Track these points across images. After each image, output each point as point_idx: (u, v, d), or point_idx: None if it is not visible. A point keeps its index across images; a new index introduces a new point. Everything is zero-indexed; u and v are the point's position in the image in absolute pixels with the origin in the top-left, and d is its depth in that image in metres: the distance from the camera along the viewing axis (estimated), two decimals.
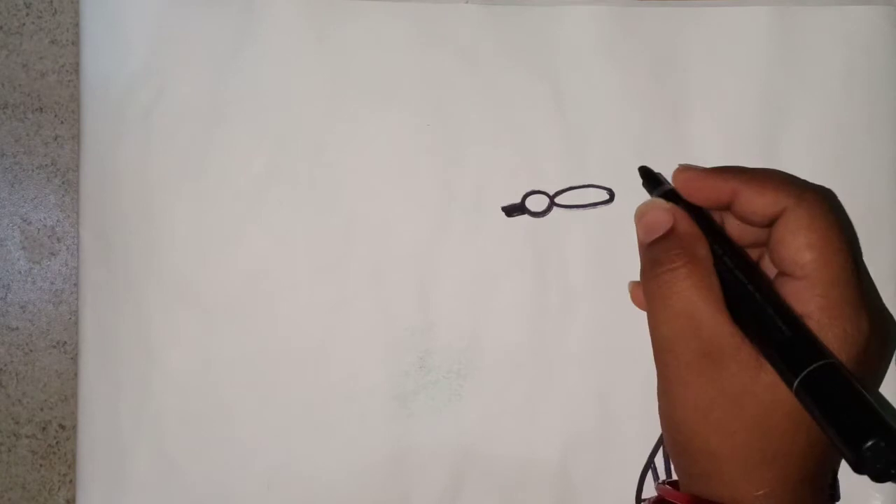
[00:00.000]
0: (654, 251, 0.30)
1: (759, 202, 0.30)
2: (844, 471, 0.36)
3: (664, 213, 0.31)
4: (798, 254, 0.28)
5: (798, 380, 0.26)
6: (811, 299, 0.28)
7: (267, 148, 0.37)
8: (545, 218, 0.36)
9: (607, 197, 0.36)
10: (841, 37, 0.36)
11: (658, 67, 0.36)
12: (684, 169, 0.32)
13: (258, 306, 0.37)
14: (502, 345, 0.37)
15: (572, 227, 0.36)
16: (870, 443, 0.23)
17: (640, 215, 0.32)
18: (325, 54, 0.37)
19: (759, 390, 0.28)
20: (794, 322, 0.28)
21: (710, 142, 0.36)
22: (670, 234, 0.30)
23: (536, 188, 0.36)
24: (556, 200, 0.36)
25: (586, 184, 0.36)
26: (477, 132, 0.37)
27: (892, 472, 0.23)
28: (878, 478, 0.24)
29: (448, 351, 0.37)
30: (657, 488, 0.32)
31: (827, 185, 0.36)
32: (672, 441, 0.31)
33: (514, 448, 0.37)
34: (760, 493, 0.28)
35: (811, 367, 0.26)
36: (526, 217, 0.36)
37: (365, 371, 0.37)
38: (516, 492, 0.37)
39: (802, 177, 0.36)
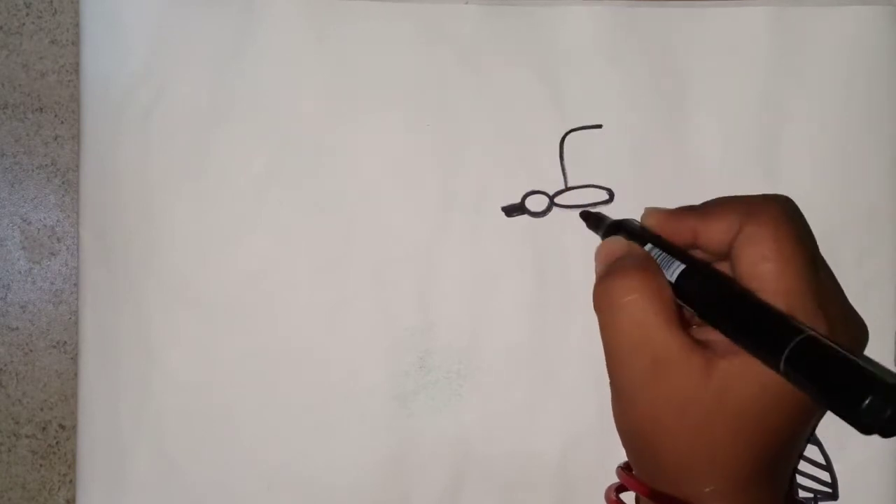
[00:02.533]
0: (608, 268, 0.32)
1: (715, 232, 0.31)
2: (844, 470, 0.36)
3: (620, 243, 0.33)
4: (753, 267, 0.29)
5: (784, 357, 0.26)
6: None
7: (267, 148, 0.37)
8: (545, 218, 0.36)
9: (607, 197, 0.36)
10: (841, 37, 0.36)
11: (658, 67, 0.36)
12: (650, 213, 0.33)
13: (258, 306, 0.37)
14: (502, 345, 0.37)
15: (572, 227, 0.36)
16: (867, 401, 0.23)
17: (599, 251, 0.33)
18: (325, 54, 0.37)
19: (705, 397, 0.29)
20: (767, 308, 0.28)
21: (710, 142, 0.36)
22: (624, 255, 0.32)
23: (536, 188, 0.36)
24: (556, 200, 0.36)
25: (586, 184, 0.36)
26: (477, 132, 0.37)
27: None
28: (885, 433, 0.23)
29: (448, 351, 0.37)
30: (617, 472, 0.33)
31: (827, 185, 0.36)
32: (626, 446, 0.32)
33: (513, 448, 0.37)
34: (708, 489, 0.29)
35: (793, 343, 0.26)
36: (526, 217, 0.36)
37: (365, 371, 0.37)
38: (516, 492, 0.37)
39: (802, 176, 0.36)
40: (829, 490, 0.36)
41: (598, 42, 0.36)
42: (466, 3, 0.36)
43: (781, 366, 0.26)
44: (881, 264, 0.36)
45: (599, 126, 0.36)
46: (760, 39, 0.36)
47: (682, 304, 0.31)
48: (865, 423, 0.23)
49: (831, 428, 0.36)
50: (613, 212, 0.36)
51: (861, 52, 0.36)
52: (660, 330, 0.29)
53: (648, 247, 0.32)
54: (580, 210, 0.36)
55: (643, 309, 0.29)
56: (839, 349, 0.25)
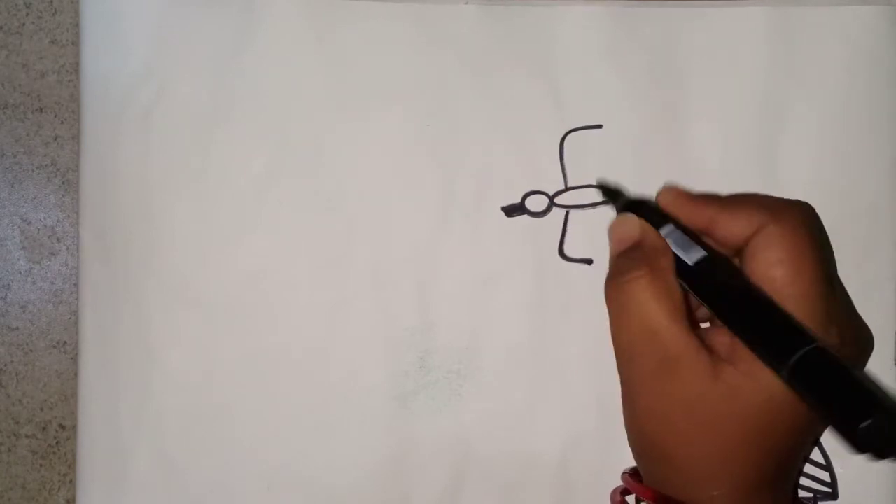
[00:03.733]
0: (619, 261, 0.31)
1: (735, 226, 0.30)
2: (844, 470, 0.36)
3: (634, 226, 0.32)
4: (769, 269, 0.29)
5: (790, 364, 0.26)
6: None
7: (267, 148, 0.37)
8: (545, 218, 0.36)
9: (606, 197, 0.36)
10: (841, 37, 0.36)
11: (658, 67, 0.36)
12: (668, 190, 0.33)
13: (258, 306, 0.37)
14: (502, 345, 0.37)
15: (572, 227, 0.36)
16: (867, 422, 0.23)
17: (612, 229, 0.33)
18: (325, 54, 0.37)
19: (713, 398, 0.28)
20: (781, 312, 0.28)
21: (710, 142, 0.36)
22: (636, 245, 0.31)
23: (536, 188, 0.36)
24: (556, 200, 0.36)
25: (586, 184, 0.36)
26: (477, 132, 0.37)
27: (890, 449, 0.24)
28: (878, 456, 0.24)
29: (448, 351, 0.37)
30: (622, 477, 0.33)
31: (827, 185, 0.36)
32: (633, 445, 0.32)
33: (513, 448, 0.37)
34: (716, 493, 0.29)
35: (802, 351, 0.26)
36: (526, 217, 0.36)
37: (365, 371, 0.37)
38: (516, 492, 0.37)
39: (802, 176, 0.36)
40: (829, 490, 0.36)
41: (598, 42, 0.36)
42: (466, 3, 0.36)
43: (786, 372, 0.26)
44: (881, 264, 0.36)
45: (599, 126, 0.36)
46: (760, 39, 0.36)
47: (692, 294, 0.30)
48: (861, 444, 0.24)
49: (832, 428, 0.36)
50: (613, 212, 0.36)
51: (861, 52, 0.36)
52: (668, 330, 0.29)
53: (668, 228, 0.31)
54: (597, 181, 0.35)
55: (653, 309, 0.29)
56: (847, 366, 0.25)
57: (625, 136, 0.36)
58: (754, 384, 0.28)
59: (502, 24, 0.36)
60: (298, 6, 0.36)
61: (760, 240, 0.29)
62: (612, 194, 0.35)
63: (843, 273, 0.36)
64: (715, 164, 0.36)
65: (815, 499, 0.36)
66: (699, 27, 0.36)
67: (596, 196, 0.36)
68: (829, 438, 0.36)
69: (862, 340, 0.31)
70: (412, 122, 0.37)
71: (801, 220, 0.30)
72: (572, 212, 0.36)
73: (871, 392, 0.24)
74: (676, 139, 0.36)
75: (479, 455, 0.37)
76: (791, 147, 0.36)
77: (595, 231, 0.36)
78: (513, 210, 0.36)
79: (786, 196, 0.36)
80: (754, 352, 0.28)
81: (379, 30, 0.36)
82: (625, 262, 0.31)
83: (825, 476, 0.36)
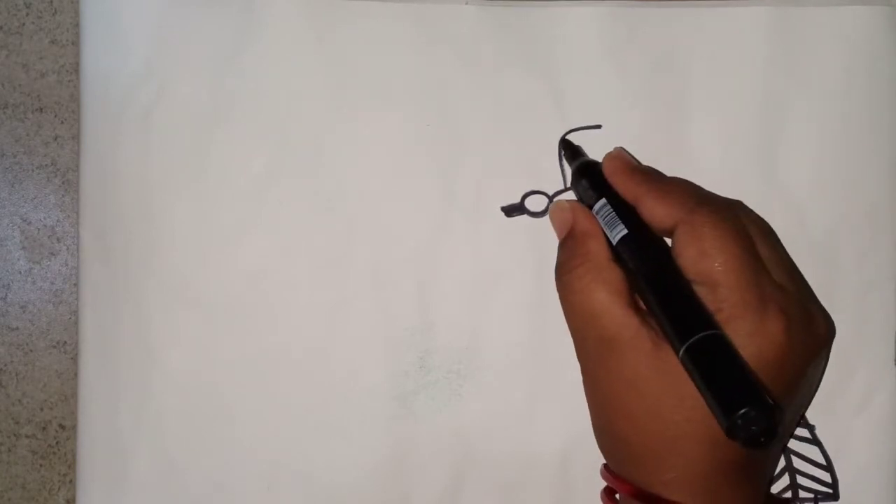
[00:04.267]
0: (559, 253, 0.33)
1: (655, 213, 0.31)
2: (845, 471, 0.36)
3: (566, 213, 0.34)
4: (693, 264, 0.30)
5: (683, 347, 0.27)
6: (711, 303, 0.29)
7: (267, 148, 0.37)
8: (545, 218, 0.36)
9: None
10: (841, 37, 0.36)
11: (658, 67, 0.36)
12: (611, 158, 0.34)
13: (258, 306, 0.37)
14: (502, 345, 0.37)
15: None
16: (742, 411, 0.24)
17: (551, 218, 0.35)
18: (325, 54, 0.37)
19: (655, 375, 0.29)
20: (687, 295, 0.29)
21: (710, 142, 0.36)
22: (570, 233, 0.33)
23: (536, 188, 0.36)
24: (556, 200, 0.36)
25: None
26: (477, 132, 0.37)
27: (762, 440, 0.25)
28: (748, 445, 0.25)
29: (448, 351, 0.37)
30: (600, 470, 0.33)
31: (827, 185, 0.36)
32: (594, 429, 0.32)
33: (514, 448, 0.37)
34: (669, 476, 0.29)
35: (697, 337, 0.27)
36: (525, 217, 0.36)
37: (365, 371, 0.37)
38: (516, 491, 0.37)
39: (802, 176, 0.36)
40: (830, 490, 0.36)
41: (599, 42, 0.36)
42: (466, 3, 0.36)
43: (680, 353, 0.27)
44: (881, 264, 0.36)
45: (599, 126, 0.36)
46: (760, 39, 0.36)
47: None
48: (734, 431, 0.25)
49: (832, 428, 0.36)
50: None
51: (861, 52, 0.36)
52: (607, 311, 0.30)
53: (600, 203, 0.33)
54: (561, 138, 0.36)
55: (591, 294, 0.31)
56: (737, 355, 0.27)
57: (625, 136, 0.36)
58: None
59: (502, 23, 0.36)
60: (298, 6, 0.36)
61: (681, 234, 0.30)
62: (573, 153, 0.36)
63: (843, 273, 0.36)
64: (715, 164, 0.36)
65: (815, 499, 0.36)
66: (699, 27, 0.36)
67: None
68: (830, 438, 0.36)
69: (817, 326, 0.31)
70: (412, 122, 0.37)
71: (715, 215, 0.30)
72: None
73: (751, 384, 0.26)
74: (677, 139, 0.36)
75: (479, 455, 0.37)
76: (791, 147, 0.36)
77: None
78: (513, 210, 0.36)
79: (785, 196, 0.36)
80: (661, 330, 0.29)
81: (379, 30, 0.36)
82: (562, 253, 0.33)
83: (826, 476, 0.36)
